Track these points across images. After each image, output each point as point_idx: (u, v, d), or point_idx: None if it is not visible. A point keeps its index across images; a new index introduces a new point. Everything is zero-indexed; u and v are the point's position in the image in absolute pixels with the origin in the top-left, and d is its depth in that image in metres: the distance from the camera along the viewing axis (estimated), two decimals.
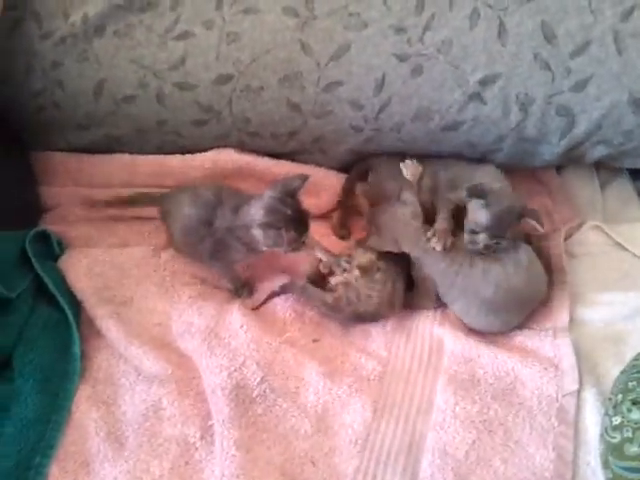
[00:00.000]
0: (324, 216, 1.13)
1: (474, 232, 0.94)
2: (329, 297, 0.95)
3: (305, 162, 1.13)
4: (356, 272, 0.96)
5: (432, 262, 0.96)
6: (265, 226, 0.91)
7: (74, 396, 0.87)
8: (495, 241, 0.93)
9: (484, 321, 0.94)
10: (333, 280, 0.97)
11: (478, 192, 0.93)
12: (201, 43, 1.02)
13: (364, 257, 0.98)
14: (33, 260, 0.98)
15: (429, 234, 0.95)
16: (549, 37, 0.97)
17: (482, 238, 0.93)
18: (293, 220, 0.91)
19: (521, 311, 0.94)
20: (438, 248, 0.94)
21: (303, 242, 0.94)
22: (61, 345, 0.92)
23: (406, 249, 0.97)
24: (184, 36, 1.02)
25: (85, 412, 0.85)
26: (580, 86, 0.99)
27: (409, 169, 1.03)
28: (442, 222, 0.98)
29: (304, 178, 0.94)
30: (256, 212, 0.92)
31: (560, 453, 0.80)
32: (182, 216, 0.99)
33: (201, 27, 1.01)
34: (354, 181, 1.12)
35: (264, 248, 0.93)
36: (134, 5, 1.01)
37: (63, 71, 1.06)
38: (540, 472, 0.78)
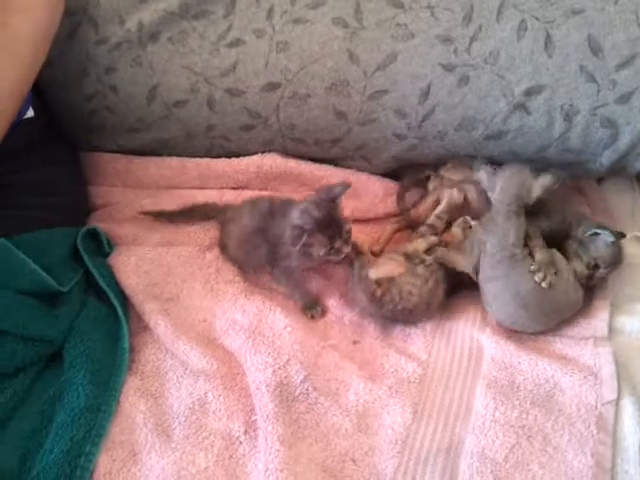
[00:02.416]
0: (365, 221, 1.15)
1: (597, 267, 0.98)
2: (378, 291, 0.97)
3: (348, 168, 1.16)
4: (400, 258, 0.99)
5: (497, 233, 0.97)
6: (293, 227, 0.94)
7: (123, 388, 0.89)
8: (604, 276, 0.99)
9: (514, 313, 0.94)
10: (375, 274, 0.99)
11: (606, 229, 0.98)
12: (251, 51, 1.05)
13: (411, 245, 1.02)
14: (84, 256, 1.02)
15: (533, 267, 0.94)
16: (595, 50, 0.98)
17: (601, 273, 0.98)
18: (322, 223, 0.94)
19: (551, 314, 0.95)
20: (545, 285, 0.93)
21: (339, 249, 0.95)
22: (110, 339, 0.95)
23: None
24: (235, 44, 1.05)
25: (133, 404, 0.88)
26: (625, 98, 1.00)
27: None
28: (542, 253, 0.96)
29: (346, 186, 0.96)
30: (293, 214, 0.96)
31: (599, 460, 0.80)
32: (240, 226, 1.03)
33: (252, 35, 1.04)
34: (407, 189, 1.15)
35: (292, 249, 0.95)
36: (188, 13, 1.05)
37: (117, 76, 1.10)
38: (578, 478, 0.78)
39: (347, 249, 0.97)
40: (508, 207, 0.97)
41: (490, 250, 0.97)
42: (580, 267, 0.98)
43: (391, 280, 0.98)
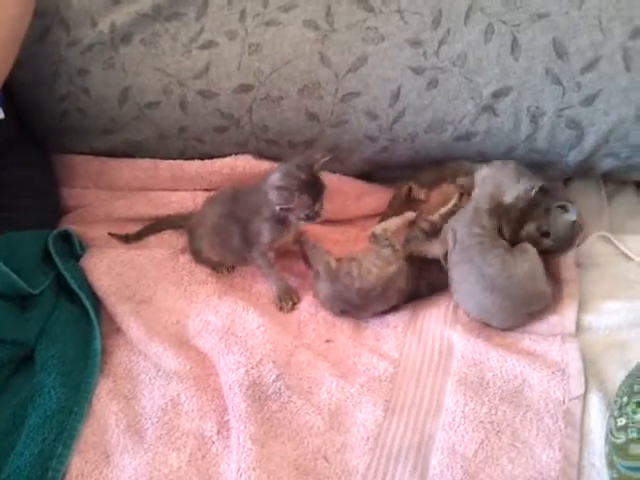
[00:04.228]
0: (337, 222, 1.17)
1: (545, 235, 1.01)
2: (333, 262, 1.00)
3: (321, 169, 1.16)
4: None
5: (466, 222, 0.99)
6: (279, 188, 0.96)
7: (95, 390, 0.89)
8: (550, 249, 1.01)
9: (480, 298, 0.96)
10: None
11: (576, 211, 1.01)
12: (224, 53, 1.05)
13: (379, 226, 1.04)
14: (56, 258, 1.02)
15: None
16: (560, 53, 1.00)
17: (546, 243, 1.01)
18: (307, 185, 0.96)
19: (517, 302, 0.96)
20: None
21: (318, 213, 0.98)
22: (82, 341, 0.95)
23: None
24: (208, 46, 1.05)
25: (106, 405, 0.88)
26: (589, 100, 1.03)
27: None
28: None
29: (326, 155, 0.99)
30: (274, 176, 0.98)
31: (566, 454, 0.81)
32: (207, 220, 1.04)
33: (224, 37, 1.05)
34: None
35: (277, 208, 0.97)
36: (161, 15, 1.05)
37: (89, 78, 1.10)
38: (546, 472, 0.80)
39: (324, 214, 0.99)
40: (481, 204, 1.00)
41: (459, 237, 0.99)
42: (531, 228, 1.02)
43: (352, 258, 1.01)
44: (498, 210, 1.00)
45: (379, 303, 1.00)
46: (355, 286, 0.98)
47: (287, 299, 1.02)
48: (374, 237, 1.03)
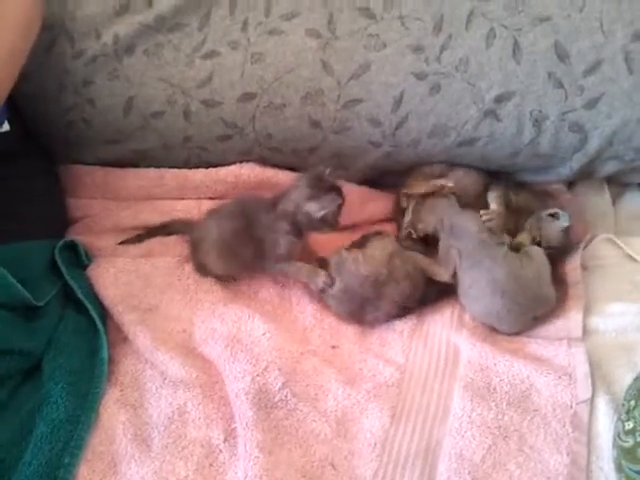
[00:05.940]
0: (341, 228, 1.16)
1: (538, 245, 1.03)
2: (344, 252, 1.03)
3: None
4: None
5: (467, 235, 1.01)
6: (315, 197, 0.98)
7: (102, 399, 0.89)
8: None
9: (488, 301, 0.97)
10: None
11: (567, 215, 1.05)
12: (227, 62, 1.06)
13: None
14: (62, 268, 1.02)
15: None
16: (562, 56, 1.00)
17: None
18: (336, 189, 1.00)
19: (524, 305, 0.96)
20: None
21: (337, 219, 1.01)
22: (89, 350, 0.95)
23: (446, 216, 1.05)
24: (211, 55, 1.06)
25: (113, 414, 0.88)
26: (592, 104, 1.03)
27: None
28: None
29: (328, 164, 1.02)
30: (301, 192, 1.00)
31: (574, 458, 0.81)
32: (214, 235, 1.04)
33: (227, 47, 1.05)
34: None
35: (318, 215, 0.98)
36: (163, 25, 1.05)
37: (94, 89, 1.10)
38: (554, 476, 0.79)
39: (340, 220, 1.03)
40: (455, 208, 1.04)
41: (464, 250, 1.00)
42: (525, 238, 1.04)
43: (360, 249, 1.03)
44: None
45: (392, 290, 0.99)
46: (361, 272, 0.98)
47: (318, 275, 1.01)
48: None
